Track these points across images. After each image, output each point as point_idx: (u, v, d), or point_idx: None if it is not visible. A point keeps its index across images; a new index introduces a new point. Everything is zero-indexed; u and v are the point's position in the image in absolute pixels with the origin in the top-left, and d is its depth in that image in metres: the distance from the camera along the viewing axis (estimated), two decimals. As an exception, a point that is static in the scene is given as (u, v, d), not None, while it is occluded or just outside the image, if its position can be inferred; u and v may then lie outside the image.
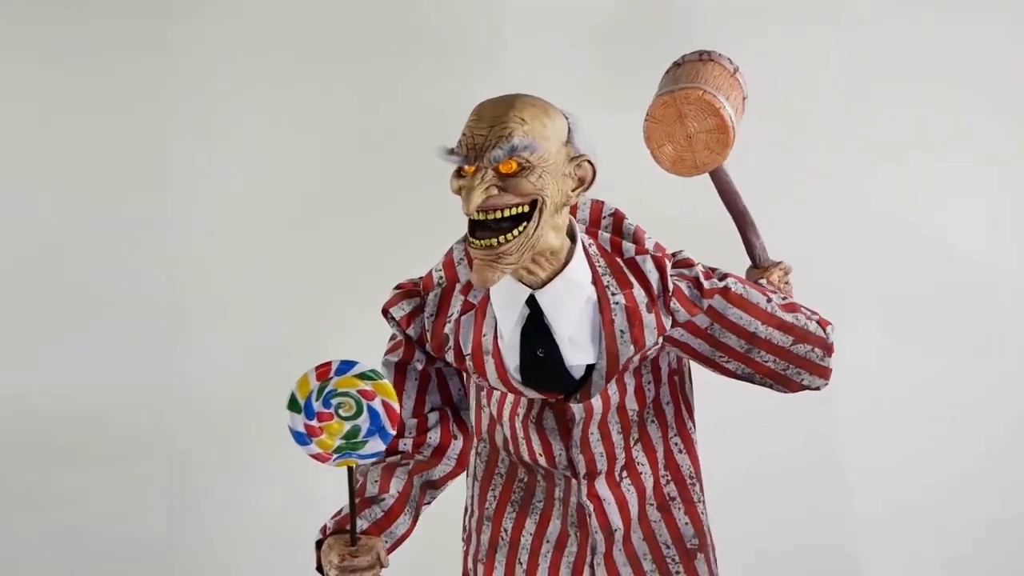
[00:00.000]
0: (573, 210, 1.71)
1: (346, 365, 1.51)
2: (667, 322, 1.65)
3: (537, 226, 1.52)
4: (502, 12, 2.80)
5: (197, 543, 2.88)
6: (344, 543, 1.57)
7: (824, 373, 1.79)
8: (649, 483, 1.78)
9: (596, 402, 1.70)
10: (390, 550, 1.67)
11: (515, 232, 1.51)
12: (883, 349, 2.78)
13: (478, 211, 1.50)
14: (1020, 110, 2.72)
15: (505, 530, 1.82)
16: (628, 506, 1.77)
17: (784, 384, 1.77)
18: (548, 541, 1.79)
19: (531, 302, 1.61)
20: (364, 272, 2.73)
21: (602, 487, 1.76)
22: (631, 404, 1.74)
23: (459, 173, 1.53)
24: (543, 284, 1.60)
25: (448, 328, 1.68)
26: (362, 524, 1.63)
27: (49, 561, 2.87)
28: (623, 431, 1.74)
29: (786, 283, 2.04)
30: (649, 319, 1.63)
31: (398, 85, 2.79)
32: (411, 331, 1.72)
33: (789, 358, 1.74)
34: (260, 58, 2.82)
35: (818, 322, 1.78)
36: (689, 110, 1.87)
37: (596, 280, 1.62)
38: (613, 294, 1.62)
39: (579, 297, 1.61)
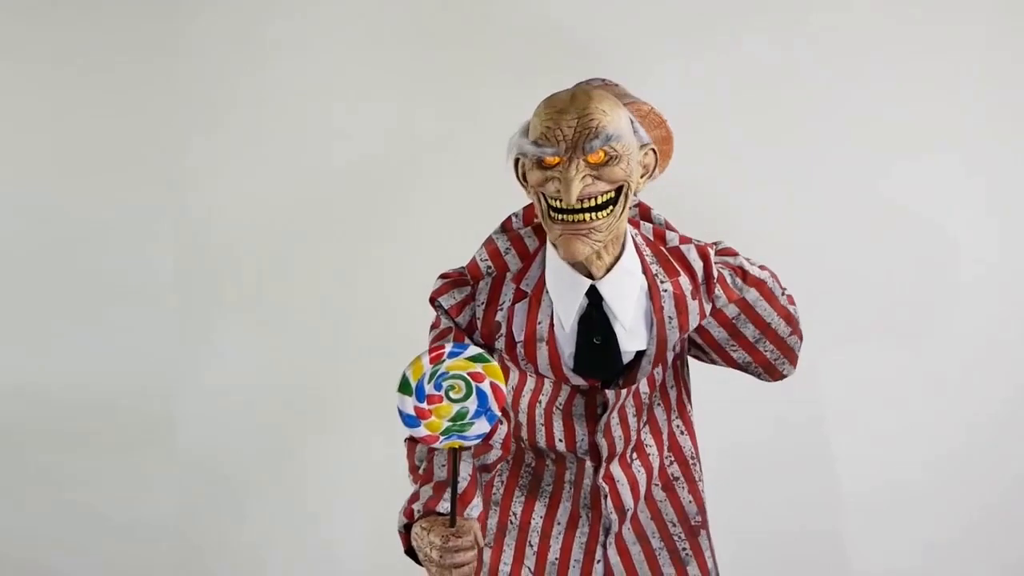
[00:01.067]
0: None
1: (459, 348, 1.54)
2: (708, 308, 1.73)
3: (624, 210, 1.61)
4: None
5: (205, 525, 2.88)
6: (443, 524, 1.58)
7: (796, 362, 1.88)
8: (656, 463, 1.86)
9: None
10: None
11: (604, 213, 1.58)
12: (867, 335, 2.84)
13: (578, 200, 1.56)
14: (1003, 109, 2.78)
15: (514, 514, 1.87)
16: (638, 486, 1.84)
17: (771, 372, 1.86)
18: (559, 523, 1.85)
19: (590, 292, 1.67)
20: (379, 264, 2.76)
21: (616, 469, 1.82)
22: (644, 388, 1.81)
23: (541, 165, 1.58)
24: (604, 272, 1.66)
25: (500, 316, 1.72)
26: (445, 506, 1.64)
27: (63, 541, 2.85)
28: (637, 414, 1.81)
29: None
30: (693, 305, 1.71)
31: (417, 78, 2.81)
32: (460, 319, 1.75)
33: (783, 348, 1.83)
34: (273, 50, 2.81)
35: None
36: (642, 122, 1.98)
37: (645, 269, 1.69)
38: (662, 282, 1.69)
39: (635, 286, 1.68)
